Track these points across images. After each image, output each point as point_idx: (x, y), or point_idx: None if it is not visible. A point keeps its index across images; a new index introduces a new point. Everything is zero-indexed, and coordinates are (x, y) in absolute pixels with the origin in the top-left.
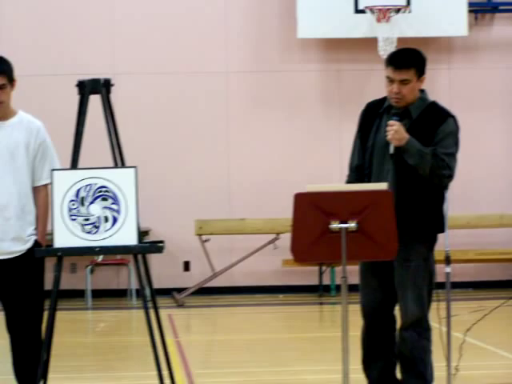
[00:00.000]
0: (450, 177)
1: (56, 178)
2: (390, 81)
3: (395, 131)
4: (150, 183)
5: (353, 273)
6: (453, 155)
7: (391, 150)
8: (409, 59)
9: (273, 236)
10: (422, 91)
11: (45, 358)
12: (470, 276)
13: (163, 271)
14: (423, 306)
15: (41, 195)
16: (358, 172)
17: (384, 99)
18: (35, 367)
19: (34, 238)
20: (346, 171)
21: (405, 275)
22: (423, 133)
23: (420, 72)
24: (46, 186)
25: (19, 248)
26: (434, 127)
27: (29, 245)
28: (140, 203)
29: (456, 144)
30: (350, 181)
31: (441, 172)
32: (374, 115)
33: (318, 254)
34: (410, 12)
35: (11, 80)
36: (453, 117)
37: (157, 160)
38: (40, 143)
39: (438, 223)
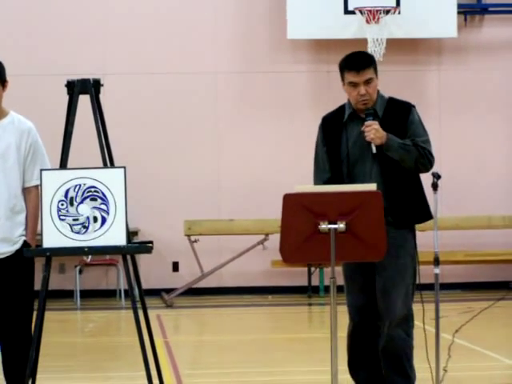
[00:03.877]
0: (433, 162)
1: (45, 178)
2: (354, 85)
3: (376, 130)
4: (139, 183)
5: (342, 274)
6: (429, 141)
7: (373, 149)
8: (366, 59)
9: (262, 237)
10: (378, 90)
11: (33, 358)
12: (458, 277)
13: (152, 271)
14: (410, 303)
15: (31, 196)
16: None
17: (341, 109)
18: (24, 367)
19: (23, 238)
20: None
21: (395, 272)
22: (393, 127)
23: (376, 70)
24: (36, 186)
25: (8, 249)
26: (403, 120)
27: (18, 246)
28: (129, 203)
29: (426, 131)
30: None
31: (425, 160)
32: (337, 127)
33: (307, 254)
34: (399, 13)
35: (3, 81)
36: (414, 106)
37: (146, 160)
38: (31, 144)
39: (425, 210)
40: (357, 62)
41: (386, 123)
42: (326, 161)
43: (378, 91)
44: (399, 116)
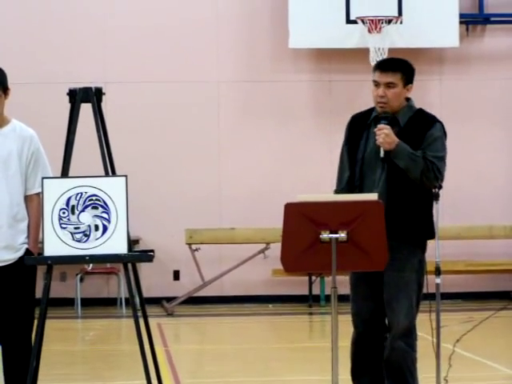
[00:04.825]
0: (441, 180)
1: (46, 186)
2: (376, 85)
3: (386, 135)
4: (140, 192)
5: (343, 283)
6: (442, 159)
7: (382, 154)
8: (395, 64)
9: (263, 246)
10: (409, 100)
11: (34, 366)
12: (459, 287)
13: (153, 280)
14: (413, 316)
15: (33, 204)
16: (349, 185)
17: (370, 111)
18: (25, 375)
19: (25, 246)
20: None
21: (398, 286)
22: (412, 138)
23: (407, 79)
24: (38, 194)
25: (10, 256)
26: (423, 132)
27: (20, 253)
28: (130, 212)
29: (444, 148)
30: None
31: (431, 175)
32: (361, 127)
33: (308, 264)
34: (401, 23)
35: (5, 89)
36: (440, 122)
37: (147, 169)
38: (33, 152)
39: (429, 228)
40: (385, 63)
41: (406, 133)
42: (347, 160)
43: (409, 100)
44: (420, 128)
